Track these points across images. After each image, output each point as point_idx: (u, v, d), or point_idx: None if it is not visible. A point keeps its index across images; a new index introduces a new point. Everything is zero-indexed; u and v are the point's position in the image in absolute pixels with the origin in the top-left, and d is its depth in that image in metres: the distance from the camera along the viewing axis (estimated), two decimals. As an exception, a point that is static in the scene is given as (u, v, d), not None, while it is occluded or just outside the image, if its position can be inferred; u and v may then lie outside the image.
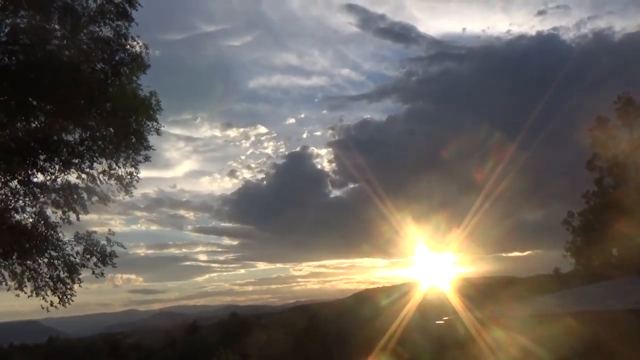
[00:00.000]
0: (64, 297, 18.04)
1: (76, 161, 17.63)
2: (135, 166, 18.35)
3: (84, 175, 17.93)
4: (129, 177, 18.37)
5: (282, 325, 70.06)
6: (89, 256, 18.27)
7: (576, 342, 13.76)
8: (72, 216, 18.25)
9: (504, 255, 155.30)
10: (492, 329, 17.84)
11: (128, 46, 16.93)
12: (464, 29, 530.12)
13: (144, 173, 18.90)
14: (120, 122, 17.15)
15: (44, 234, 17.87)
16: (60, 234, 18.20)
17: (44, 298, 17.79)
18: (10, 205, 17.54)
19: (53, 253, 17.97)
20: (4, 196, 17.44)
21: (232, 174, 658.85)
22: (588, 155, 40.33)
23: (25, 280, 17.69)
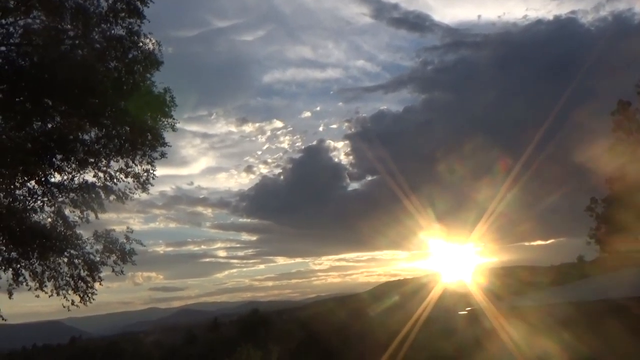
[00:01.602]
0: (85, 295, 18.32)
1: (93, 160, 17.86)
2: (151, 163, 18.56)
3: (100, 174, 18.18)
4: (145, 174, 18.59)
5: (301, 320, 70.26)
6: (108, 254, 18.52)
7: (595, 332, 13.71)
8: (91, 215, 18.55)
9: (526, 244, 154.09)
10: (514, 320, 17.80)
11: (141, 44, 17.11)
12: (479, 16, 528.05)
13: (160, 171, 19.14)
14: (135, 120, 17.34)
15: (63, 233, 18.13)
16: (79, 233, 18.51)
17: (65, 297, 18.07)
18: (29, 205, 17.81)
19: (73, 252, 18.25)
20: (22, 197, 17.72)
21: (249, 169, 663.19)
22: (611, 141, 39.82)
23: (46, 279, 17.95)
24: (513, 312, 18.39)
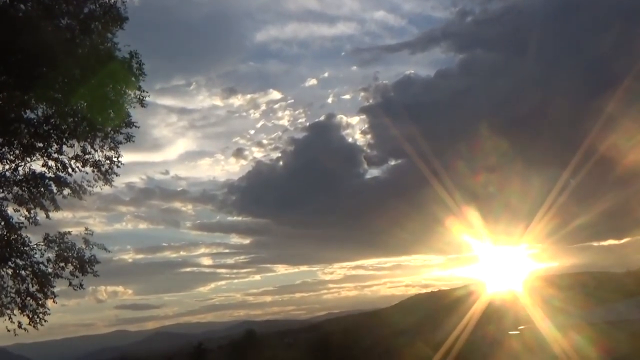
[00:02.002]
0: (35, 316, 18.26)
1: (41, 145, 17.79)
2: (115, 148, 18.50)
3: (51, 162, 18.11)
4: (107, 162, 18.53)
5: (309, 343, 70.59)
6: (63, 264, 18.46)
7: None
8: (40, 214, 18.52)
9: (595, 244, 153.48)
10: (582, 340, 17.71)
11: (99, -5, 16.97)
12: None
13: (126, 157, 19.09)
14: (93, 93, 17.19)
15: (5, 237, 18.10)
16: (26, 238, 18.42)
17: (10, 318, 18.04)
18: (-38, 203, 17.81)
19: (18, 261, 18.19)
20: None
21: (239, 153, 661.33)
22: None
23: (-15, 297, 17.96)
24: (581, 332, 18.29)
